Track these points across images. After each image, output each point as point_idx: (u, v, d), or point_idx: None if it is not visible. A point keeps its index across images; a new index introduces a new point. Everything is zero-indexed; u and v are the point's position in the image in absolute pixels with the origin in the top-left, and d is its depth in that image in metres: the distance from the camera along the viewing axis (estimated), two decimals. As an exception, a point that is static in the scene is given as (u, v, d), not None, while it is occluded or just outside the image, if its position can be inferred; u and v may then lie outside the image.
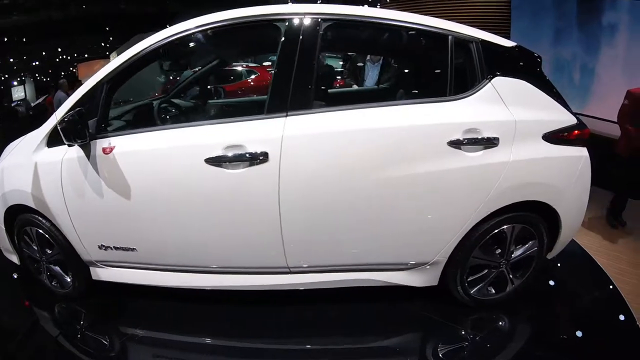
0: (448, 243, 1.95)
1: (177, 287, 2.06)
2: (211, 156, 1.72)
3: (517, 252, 2.10)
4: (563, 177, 1.99)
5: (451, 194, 1.87)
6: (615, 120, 3.58)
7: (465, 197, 1.88)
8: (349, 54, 3.03)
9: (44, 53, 20.50)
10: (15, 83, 19.64)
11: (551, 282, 2.50)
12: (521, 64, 2.05)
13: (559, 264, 2.64)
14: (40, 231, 2.14)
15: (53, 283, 2.30)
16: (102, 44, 20.71)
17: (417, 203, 1.87)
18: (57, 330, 2.18)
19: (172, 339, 2.07)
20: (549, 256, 2.20)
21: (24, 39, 16.36)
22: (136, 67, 1.93)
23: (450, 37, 1.92)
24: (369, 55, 4.14)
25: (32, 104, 12.98)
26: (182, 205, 1.83)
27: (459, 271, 2.05)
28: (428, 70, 2.42)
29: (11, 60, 19.17)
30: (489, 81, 1.90)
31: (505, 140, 1.85)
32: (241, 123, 1.78)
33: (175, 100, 2.71)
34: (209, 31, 1.88)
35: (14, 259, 2.38)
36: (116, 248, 2.01)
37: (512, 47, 2.04)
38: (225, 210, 1.81)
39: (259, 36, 2.25)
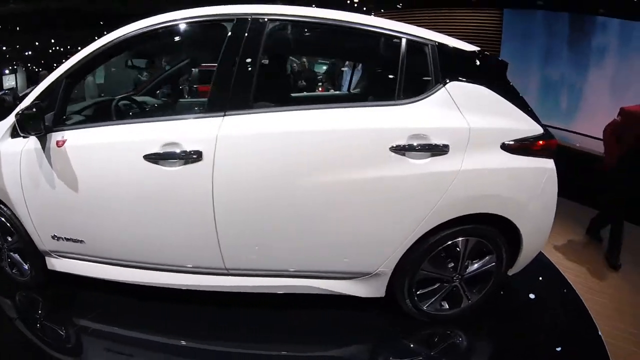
0: (392, 254, 1.86)
1: (122, 281, 2.07)
2: (149, 153, 1.72)
3: (473, 267, 2.01)
4: (524, 190, 1.89)
5: (393, 203, 1.77)
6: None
7: (409, 207, 1.77)
8: (299, 55, 2.91)
9: (37, 43, 20.34)
10: (7, 72, 19.37)
11: (516, 298, 2.47)
12: (482, 69, 1.95)
13: (526, 280, 2.63)
14: (2, 219, 2.15)
15: (13, 271, 2.31)
16: (96, 38, 20.57)
17: (356, 210, 1.77)
18: (13, 315, 2.22)
19: (124, 334, 2.04)
20: (511, 272, 2.11)
21: (18, 28, 16.20)
22: (94, 64, 1.97)
23: (403, 39, 1.85)
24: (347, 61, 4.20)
25: (20, 94, 12.84)
26: (122, 201, 1.84)
27: (407, 284, 1.97)
28: (378, 73, 2.40)
29: (4, 48, 18.96)
30: (443, 86, 1.80)
31: (456, 148, 1.75)
32: (180, 121, 1.80)
33: (138, 98, 2.68)
34: (160, 30, 1.89)
35: None
36: (67, 239, 2.02)
37: (473, 51, 1.95)
38: (162, 208, 1.80)
39: (208, 37, 2.17)
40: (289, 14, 1.85)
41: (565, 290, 2.66)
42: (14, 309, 2.27)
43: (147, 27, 1.86)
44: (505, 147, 1.83)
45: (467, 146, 1.77)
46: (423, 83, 1.83)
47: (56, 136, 1.85)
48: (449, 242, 1.91)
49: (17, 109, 1.85)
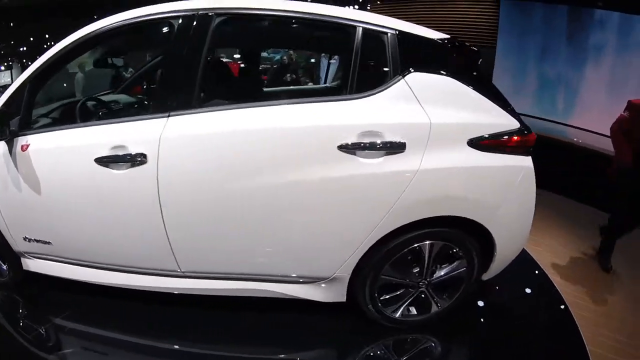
0: (347, 258, 1.77)
1: (88, 282, 2.09)
2: (99, 156, 1.70)
3: (441, 272, 1.92)
4: (495, 191, 1.75)
5: (344, 205, 1.67)
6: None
7: (362, 209, 1.67)
8: (251, 48, 2.76)
9: (31, 38, 20.21)
10: (2, 68, 19.24)
11: (497, 299, 2.41)
12: (449, 59, 1.80)
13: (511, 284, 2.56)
14: None
15: None
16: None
17: (304, 213, 1.69)
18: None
19: (96, 332, 2.07)
20: (485, 277, 2.00)
21: (12, 23, 16.08)
22: (55, 67, 1.94)
23: (358, 28, 1.71)
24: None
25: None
26: (79, 205, 1.85)
27: (367, 289, 1.86)
28: (334, 65, 2.33)
29: None
30: (402, 77, 1.66)
31: (414, 146, 1.62)
32: (128, 123, 1.74)
33: (105, 98, 2.61)
34: (115, 30, 1.84)
35: None
36: (36, 241, 2.04)
37: (440, 39, 1.80)
38: (115, 212, 1.79)
39: (162, 35, 1.98)
40: (237, 7, 1.75)
41: (550, 293, 2.61)
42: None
43: (101, 27, 1.82)
44: (473, 143, 1.68)
45: (428, 143, 1.64)
46: (380, 75, 1.70)
47: (21, 140, 1.86)
48: (412, 246, 1.80)
49: None
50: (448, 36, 1.86)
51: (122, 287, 2.03)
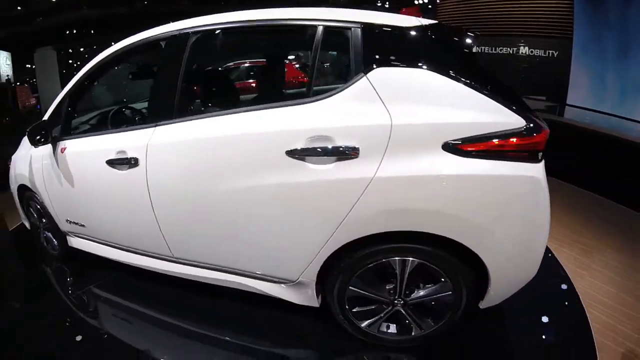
0: (306, 265, 1.71)
1: (112, 259, 2.41)
2: (109, 159, 1.99)
3: (420, 292, 1.71)
4: (483, 206, 1.46)
5: (295, 212, 1.62)
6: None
7: (314, 218, 1.59)
8: (226, 61, 2.86)
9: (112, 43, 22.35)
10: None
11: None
12: (426, 48, 1.57)
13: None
14: (37, 205, 2.67)
15: (48, 245, 2.83)
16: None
17: (259, 217, 1.69)
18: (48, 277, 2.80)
19: (118, 300, 2.44)
20: (482, 305, 1.72)
21: (92, 31, 17.93)
22: (87, 83, 2.31)
23: (319, 27, 1.62)
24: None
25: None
26: (98, 197, 2.19)
27: (336, 298, 1.77)
28: (295, 69, 2.25)
29: (82, 49, 20.77)
30: (365, 75, 1.51)
31: (370, 151, 1.46)
32: (129, 132, 2.00)
33: (134, 106, 2.95)
34: (127, 51, 2.10)
35: (27, 224, 3.03)
36: (74, 223, 2.44)
37: (415, 27, 1.57)
38: (122, 204, 2.08)
39: (156, 53, 2.16)
40: (209, 24, 1.84)
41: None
42: (51, 275, 2.83)
43: (119, 49, 2.12)
44: (450, 147, 1.42)
45: (387, 147, 1.45)
46: (344, 74, 1.61)
47: (61, 144, 2.26)
48: (379, 261, 1.64)
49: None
50: (432, 22, 1.65)
51: (135, 265, 2.30)
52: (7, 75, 15.58)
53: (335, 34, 1.62)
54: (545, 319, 2.11)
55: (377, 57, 1.53)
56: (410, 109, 1.46)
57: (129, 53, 2.12)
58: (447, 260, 1.58)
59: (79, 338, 2.06)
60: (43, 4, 15.57)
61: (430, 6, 13.89)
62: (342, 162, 1.50)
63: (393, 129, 1.45)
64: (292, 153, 1.54)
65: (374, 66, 1.52)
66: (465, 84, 1.46)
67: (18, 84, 16.63)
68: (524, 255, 1.58)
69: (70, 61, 18.71)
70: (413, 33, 1.57)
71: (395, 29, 1.59)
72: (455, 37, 1.69)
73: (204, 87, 2.55)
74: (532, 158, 1.46)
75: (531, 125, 1.44)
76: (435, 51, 1.58)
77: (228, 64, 2.98)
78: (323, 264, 1.69)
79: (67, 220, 2.47)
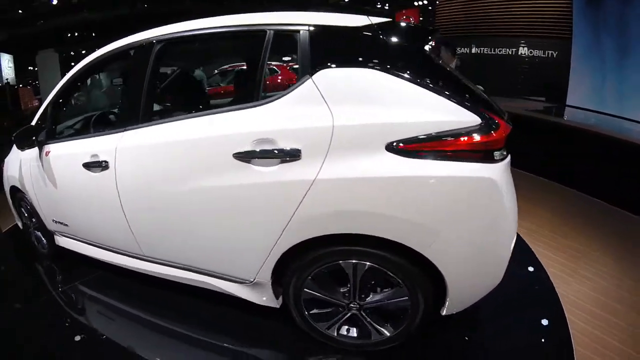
0: (258, 266, 1.73)
1: (94, 257, 2.49)
2: (85, 162, 2.08)
3: (376, 297, 1.70)
4: (430, 210, 1.42)
5: (243, 214, 1.64)
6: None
7: (261, 220, 1.62)
8: (186, 67, 2.94)
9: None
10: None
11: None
12: (373, 47, 1.54)
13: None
14: (28, 206, 2.80)
15: (39, 244, 2.94)
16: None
17: (212, 218, 1.74)
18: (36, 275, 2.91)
19: (101, 296, 2.52)
20: (444, 312, 1.66)
21: (93, 33, 18.09)
22: (68, 91, 2.43)
23: (268, 32, 1.64)
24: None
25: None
26: (76, 198, 2.27)
27: (291, 299, 1.79)
28: (247, 73, 2.25)
29: (83, 52, 21.11)
30: (310, 76, 1.51)
31: (312, 152, 1.46)
32: (102, 137, 2.06)
33: (115, 111, 3.00)
34: (110, 57, 2.18)
35: (20, 224, 3.16)
36: (60, 222, 2.52)
37: (364, 26, 1.56)
38: (96, 204, 2.16)
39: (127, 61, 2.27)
40: (171, 32, 1.89)
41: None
42: (39, 272, 2.94)
43: (95, 58, 2.21)
44: (393, 148, 1.40)
45: (329, 149, 1.45)
46: (289, 77, 1.68)
47: (46, 148, 2.35)
48: (329, 263, 1.63)
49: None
50: (384, 20, 1.62)
51: (113, 264, 2.35)
52: (6, 79, 15.73)
53: (285, 38, 1.63)
54: (521, 327, 2.07)
55: (323, 58, 1.53)
56: (355, 109, 1.45)
57: (104, 62, 2.23)
58: (399, 264, 1.55)
59: (77, 338, 2.09)
60: (44, 6, 15.69)
61: (430, 7, 13.85)
62: (285, 165, 1.51)
63: (335, 130, 1.44)
64: (239, 155, 1.57)
65: (320, 68, 1.51)
66: (414, 82, 1.43)
67: (20, 85, 16.80)
68: (484, 261, 1.54)
69: (72, 63, 18.77)
70: (361, 33, 1.56)
71: (343, 29, 1.58)
72: (411, 35, 1.67)
73: (166, 93, 2.68)
74: (486, 158, 1.41)
75: (486, 123, 1.39)
76: (384, 50, 1.55)
77: (189, 71, 3.08)
78: (276, 264, 1.71)
79: (53, 220, 2.56)
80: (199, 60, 3.13)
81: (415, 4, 14.46)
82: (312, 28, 1.58)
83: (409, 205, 1.43)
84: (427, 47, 1.60)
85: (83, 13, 16.16)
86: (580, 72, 8.74)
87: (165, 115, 2.07)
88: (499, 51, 10.30)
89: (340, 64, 1.51)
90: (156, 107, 2.14)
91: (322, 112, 1.47)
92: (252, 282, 1.83)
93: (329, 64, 1.51)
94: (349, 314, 1.77)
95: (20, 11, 15.55)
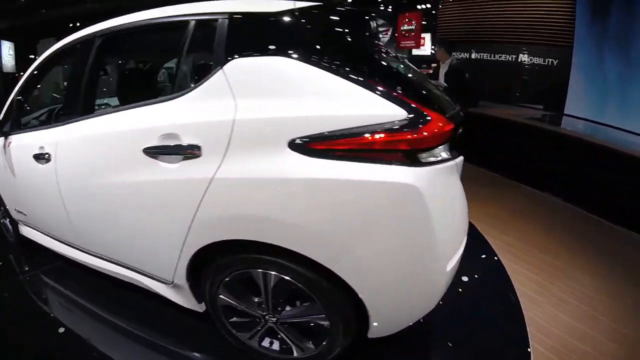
0: (172, 267, 1.63)
1: (49, 247, 2.48)
2: (34, 153, 2.08)
3: (293, 311, 1.54)
4: (335, 218, 1.24)
5: (153, 211, 1.58)
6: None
7: (167, 219, 1.54)
8: (126, 61, 3.07)
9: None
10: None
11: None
12: (293, 34, 1.42)
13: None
14: None
15: (7, 233, 2.99)
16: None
17: (126, 214, 1.69)
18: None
19: (59, 286, 2.51)
20: (371, 335, 1.49)
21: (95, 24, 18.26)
22: (31, 84, 2.45)
23: (191, 22, 1.55)
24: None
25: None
26: (30, 187, 2.29)
27: (210, 306, 1.70)
28: (170, 66, 2.30)
29: None
30: (221, 67, 1.39)
31: (212, 149, 1.36)
32: (49, 129, 2.06)
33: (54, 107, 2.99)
34: (63, 52, 2.18)
35: None
36: (20, 212, 2.57)
37: (283, 12, 1.43)
38: (42, 194, 2.16)
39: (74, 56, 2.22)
40: (111, 27, 1.86)
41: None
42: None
43: (51, 53, 2.23)
44: (296, 146, 1.24)
45: (229, 146, 1.33)
46: (206, 68, 1.50)
47: (9, 138, 2.39)
48: (242, 271, 1.51)
49: None
50: (310, 4, 1.49)
51: (64, 255, 2.34)
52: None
53: (205, 28, 1.52)
54: (478, 354, 1.90)
55: (237, 47, 1.41)
56: (262, 102, 1.31)
57: (58, 56, 2.25)
58: (310, 279, 1.38)
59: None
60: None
61: (433, 12, 13.66)
62: (187, 161, 1.43)
63: (235, 125, 1.32)
64: (147, 151, 1.51)
65: (232, 57, 1.39)
66: (331, 70, 1.27)
67: (21, 73, 16.79)
68: (408, 282, 1.33)
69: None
70: (278, 18, 1.43)
71: (260, 15, 1.46)
72: (341, 20, 1.53)
73: (103, 88, 2.75)
74: (409, 159, 1.21)
75: (414, 117, 1.20)
76: (301, 36, 1.42)
77: (122, 65, 3.14)
78: (191, 267, 1.61)
79: (15, 209, 2.62)
80: (136, 54, 3.18)
81: (419, 7, 14.27)
82: (229, 16, 1.47)
83: (310, 213, 1.26)
84: (359, 33, 1.47)
85: (86, 3, 16.16)
86: (580, 82, 8.55)
87: (98, 109, 2.11)
88: (499, 57, 10.12)
89: (252, 53, 1.37)
90: (95, 101, 2.10)
91: (227, 105, 1.35)
92: (171, 283, 1.75)
93: (241, 53, 1.38)
94: (267, 326, 1.64)
95: (22, -1, 15.56)
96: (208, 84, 1.42)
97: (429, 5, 14.36)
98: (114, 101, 2.57)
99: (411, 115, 1.20)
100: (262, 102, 1.31)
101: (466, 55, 10.43)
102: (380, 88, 1.24)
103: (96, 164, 1.75)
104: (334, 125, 1.21)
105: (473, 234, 3.11)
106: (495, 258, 2.76)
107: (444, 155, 1.31)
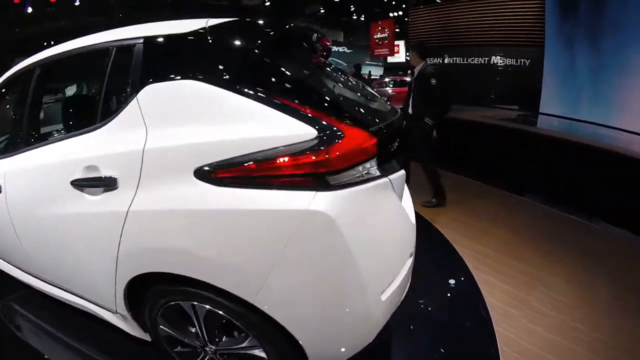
0: (112, 295, 1.56)
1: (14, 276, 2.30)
2: None
3: (230, 342, 1.47)
4: (248, 251, 1.17)
5: (82, 242, 1.56)
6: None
7: (96, 249, 1.50)
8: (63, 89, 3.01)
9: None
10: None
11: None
12: (201, 54, 1.36)
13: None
14: None
15: None
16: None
17: (64, 245, 1.66)
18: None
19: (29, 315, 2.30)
20: None
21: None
22: None
23: (112, 49, 1.52)
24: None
25: None
26: None
27: (152, 335, 1.62)
28: (96, 95, 2.18)
29: None
30: (136, 95, 1.35)
31: (127, 181, 1.33)
32: (5, 158, 1.97)
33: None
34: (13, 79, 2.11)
35: None
36: None
37: (193, 32, 1.37)
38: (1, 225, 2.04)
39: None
40: (49, 56, 1.82)
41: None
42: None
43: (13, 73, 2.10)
44: (202, 175, 1.19)
45: (141, 176, 1.30)
46: (126, 97, 1.45)
47: None
48: (173, 302, 1.44)
49: None
50: (222, 21, 1.44)
51: (23, 282, 2.19)
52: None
53: (124, 54, 1.47)
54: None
55: (150, 73, 1.37)
56: (170, 129, 1.27)
57: (7, 86, 2.19)
58: (237, 311, 1.29)
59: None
60: (20, 14, 15.71)
61: (406, 19, 13.77)
62: (107, 193, 1.40)
63: (145, 154, 1.29)
64: (74, 183, 1.49)
65: (145, 84, 1.35)
66: (240, 92, 1.20)
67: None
68: (335, 313, 1.22)
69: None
70: (189, 39, 1.38)
71: (172, 38, 1.41)
72: (252, 36, 1.44)
73: (44, 117, 2.54)
74: (317, 183, 1.12)
75: (323, 136, 1.11)
76: (210, 57, 1.35)
77: (56, 95, 2.98)
78: (127, 297, 1.53)
79: None
80: (68, 83, 3.14)
81: (391, 15, 14.38)
82: (144, 41, 1.43)
83: (219, 245, 1.20)
84: (276, 48, 1.40)
85: (59, 21, 16.21)
86: (553, 80, 8.59)
87: (38, 140, 1.98)
88: (472, 60, 10.16)
89: (163, 78, 1.32)
90: (39, 132, 2.06)
91: (139, 134, 1.32)
92: (115, 312, 1.65)
93: (154, 78, 1.34)
94: (207, 357, 1.56)
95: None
96: (124, 112, 1.39)
97: (401, 13, 14.52)
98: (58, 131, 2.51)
99: (321, 134, 1.11)
100: (171, 129, 1.26)
101: (439, 59, 10.47)
102: (290, 106, 1.16)
103: (35, 196, 1.73)
104: (238, 151, 1.14)
105: (441, 243, 2.93)
106: (465, 269, 2.54)
107: (373, 172, 1.22)
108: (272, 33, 1.51)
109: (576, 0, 8.18)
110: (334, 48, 17.58)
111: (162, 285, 1.43)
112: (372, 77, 14.74)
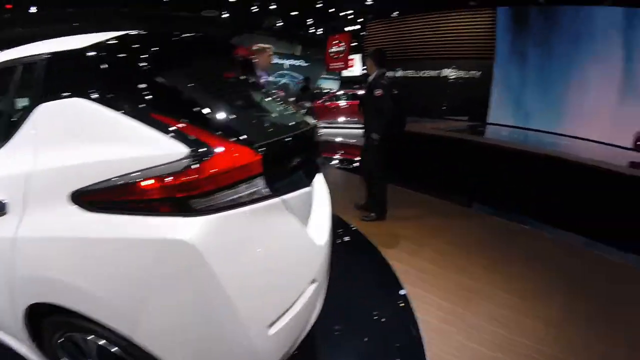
0: (9, 325, 1.45)
1: None
2: None
3: None
4: (117, 283, 1.11)
5: None
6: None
7: None
8: None
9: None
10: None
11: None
12: (92, 70, 1.29)
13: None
14: None
15: None
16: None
17: None
18: None
19: None
20: None
21: None
22: None
23: (19, 67, 1.44)
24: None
25: None
26: None
27: None
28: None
29: None
30: (31, 114, 1.31)
31: (15, 206, 1.27)
32: None
33: None
34: None
35: None
36: None
37: (88, 47, 1.31)
38: None
39: None
40: None
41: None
42: None
43: None
44: (75, 198, 1.14)
45: (25, 202, 1.24)
46: (24, 116, 1.36)
47: None
48: (66, 334, 1.33)
49: None
50: (119, 33, 1.38)
51: None
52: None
53: (29, 72, 1.40)
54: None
55: (45, 91, 1.30)
56: (55, 151, 1.20)
57: None
58: (124, 345, 1.18)
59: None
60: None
61: (362, 33, 14.00)
62: (2, 218, 1.29)
63: (28, 177, 1.23)
64: None
65: (40, 103, 1.29)
66: (117, 108, 1.14)
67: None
68: (217, 350, 1.14)
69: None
70: (83, 55, 1.30)
71: (69, 54, 1.34)
72: (146, 48, 1.36)
73: None
74: (183, 208, 1.04)
75: (192, 155, 1.03)
76: (100, 73, 1.27)
77: None
78: (29, 327, 1.39)
79: None
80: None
81: (347, 29, 14.61)
82: (46, 57, 1.35)
83: (88, 276, 1.13)
84: (167, 60, 1.33)
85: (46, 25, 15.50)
86: (501, 91, 8.94)
87: None
88: (423, 73, 10.43)
89: (55, 96, 1.26)
90: None
91: (28, 156, 1.26)
92: (26, 342, 1.50)
93: (48, 97, 1.28)
94: None
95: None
96: (20, 133, 1.32)
97: (358, 27, 14.74)
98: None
99: (193, 153, 1.03)
100: (56, 151, 1.20)
101: (392, 73, 10.67)
102: (163, 123, 1.08)
103: None
104: (106, 174, 1.08)
105: (374, 259, 2.82)
106: (398, 287, 2.43)
107: (261, 192, 1.13)
108: (166, 46, 1.43)
109: (526, 16, 8.60)
110: (292, 62, 17.65)
111: (56, 316, 1.33)
112: (324, 91, 14.87)
